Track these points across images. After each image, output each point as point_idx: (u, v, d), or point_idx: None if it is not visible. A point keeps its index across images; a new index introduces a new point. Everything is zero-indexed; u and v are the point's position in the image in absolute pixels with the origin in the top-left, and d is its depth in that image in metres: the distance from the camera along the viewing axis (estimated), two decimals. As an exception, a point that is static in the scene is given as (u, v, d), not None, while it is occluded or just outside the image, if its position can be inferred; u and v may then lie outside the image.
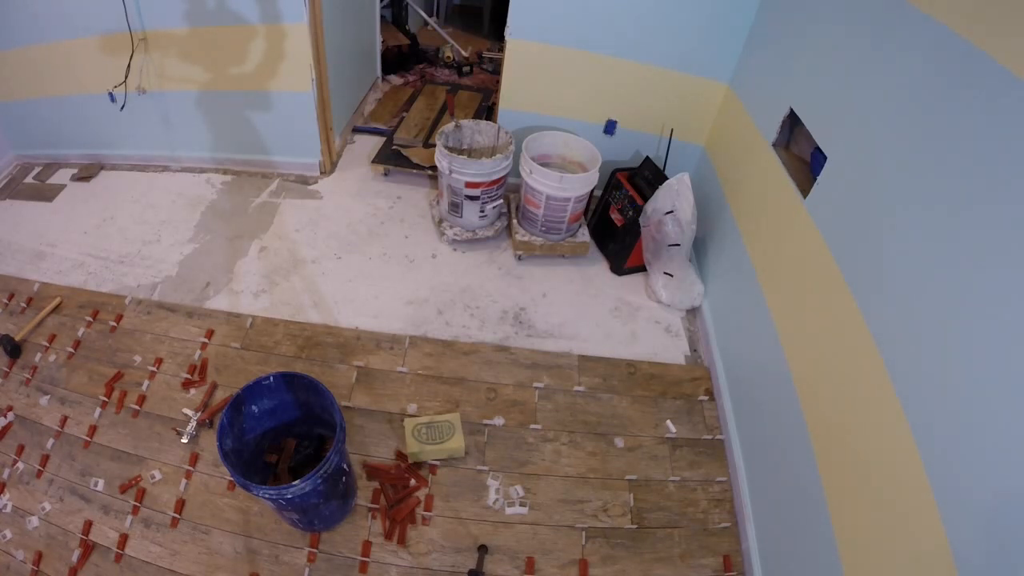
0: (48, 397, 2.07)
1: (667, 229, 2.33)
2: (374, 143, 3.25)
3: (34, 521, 1.77)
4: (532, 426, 2.05)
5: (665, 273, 2.46)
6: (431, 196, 2.92)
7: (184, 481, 1.86)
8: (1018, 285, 0.98)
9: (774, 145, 1.95)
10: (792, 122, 1.88)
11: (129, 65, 2.60)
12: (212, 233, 2.69)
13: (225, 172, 3.03)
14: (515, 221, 2.67)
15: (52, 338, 2.24)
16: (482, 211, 2.57)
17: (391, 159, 2.99)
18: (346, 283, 2.49)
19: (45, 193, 2.90)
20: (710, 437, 2.08)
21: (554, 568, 1.74)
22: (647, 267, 2.55)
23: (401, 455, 1.94)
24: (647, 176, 2.49)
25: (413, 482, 1.87)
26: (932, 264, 1.19)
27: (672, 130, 2.56)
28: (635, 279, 2.63)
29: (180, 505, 1.80)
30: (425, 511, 1.82)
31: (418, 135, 3.08)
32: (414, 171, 2.96)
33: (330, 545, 1.74)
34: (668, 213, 2.29)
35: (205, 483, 1.86)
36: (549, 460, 1.97)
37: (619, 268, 2.62)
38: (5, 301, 2.39)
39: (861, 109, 1.49)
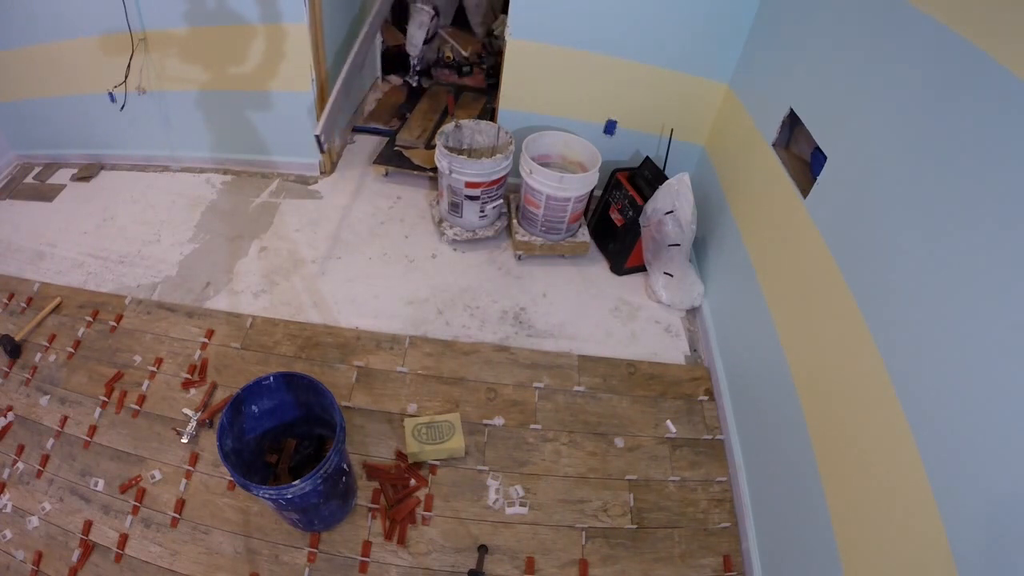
0: (48, 397, 2.07)
1: (667, 229, 2.32)
2: (374, 143, 3.25)
3: (34, 521, 1.77)
4: (532, 426, 2.05)
5: (665, 273, 2.46)
6: (431, 196, 2.92)
7: (184, 481, 1.86)
8: (1018, 284, 0.98)
9: (774, 145, 1.95)
10: (792, 122, 1.88)
11: (129, 65, 2.60)
12: (212, 233, 2.69)
13: (225, 172, 3.03)
14: (515, 221, 2.66)
15: (52, 338, 2.24)
16: (482, 211, 2.57)
17: (392, 160, 2.99)
18: (346, 283, 2.49)
19: (45, 193, 2.90)
20: (710, 437, 2.08)
21: (554, 568, 1.74)
22: (647, 267, 2.55)
23: (401, 455, 1.94)
24: (647, 176, 2.49)
25: (413, 482, 1.87)
26: (932, 264, 1.19)
27: (672, 130, 2.56)
28: (635, 279, 2.63)
29: (180, 505, 1.80)
30: (425, 511, 1.82)
31: (420, 136, 3.08)
32: (415, 172, 2.96)
33: (330, 545, 1.74)
34: (668, 213, 2.29)
35: (205, 483, 1.86)
36: (549, 460, 1.97)
37: (619, 268, 2.62)
38: (5, 301, 2.39)
39: (861, 109, 1.49)
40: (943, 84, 1.21)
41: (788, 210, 1.80)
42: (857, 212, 1.46)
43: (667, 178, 2.34)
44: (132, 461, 1.91)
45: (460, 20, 4.41)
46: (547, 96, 2.59)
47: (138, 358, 2.18)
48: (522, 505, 1.85)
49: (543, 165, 2.49)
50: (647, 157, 2.55)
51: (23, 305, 2.36)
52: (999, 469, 0.98)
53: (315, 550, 1.72)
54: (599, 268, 2.68)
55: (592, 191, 2.52)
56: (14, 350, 2.17)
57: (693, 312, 2.50)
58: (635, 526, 1.84)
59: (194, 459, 1.91)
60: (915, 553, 1.13)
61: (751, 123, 2.14)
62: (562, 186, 2.35)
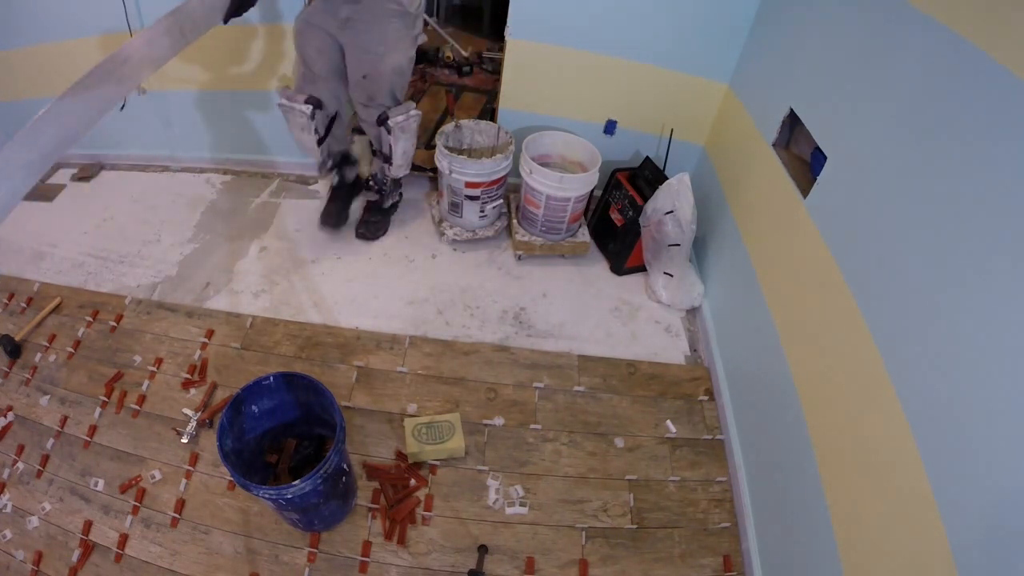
0: (48, 397, 2.07)
1: (667, 229, 2.32)
2: (374, 143, 3.25)
3: (34, 521, 1.77)
4: (532, 426, 2.05)
5: (665, 273, 2.46)
6: (431, 196, 2.92)
7: (184, 481, 1.86)
8: (1018, 283, 0.98)
9: (774, 145, 1.95)
10: (792, 122, 1.88)
11: (129, 65, 2.60)
12: (212, 233, 2.69)
13: (225, 172, 3.03)
14: (515, 221, 2.66)
15: (52, 338, 2.24)
16: (482, 211, 2.57)
17: (391, 159, 2.98)
18: (346, 283, 2.49)
19: (45, 193, 2.90)
20: (710, 437, 2.08)
21: (554, 568, 1.74)
22: (647, 267, 2.55)
23: (401, 455, 1.94)
24: (647, 176, 2.49)
25: (413, 482, 1.87)
26: (932, 264, 1.19)
27: (672, 130, 2.56)
28: (635, 279, 2.63)
29: (180, 505, 1.80)
30: (425, 511, 1.82)
31: (419, 136, 3.07)
32: (415, 172, 2.96)
33: (330, 545, 1.74)
34: (668, 213, 2.29)
35: (205, 483, 1.86)
36: (549, 460, 1.97)
37: (619, 268, 2.62)
38: (5, 301, 2.39)
39: (861, 109, 1.49)
40: (943, 84, 1.21)
41: (788, 210, 1.80)
42: (857, 212, 1.46)
43: (667, 178, 2.34)
44: (132, 461, 1.91)
45: (460, 20, 4.42)
46: (547, 96, 2.59)
47: (138, 358, 2.18)
48: (522, 505, 1.85)
49: (543, 165, 2.49)
50: (647, 157, 2.55)
51: (23, 305, 2.36)
52: (999, 469, 0.98)
53: (315, 550, 1.72)
54: (599, 268, 2.68)
55: (592, 191, 2.52)
56: (14, 350, 2.17)
57: (693, 312, 2.50)
58: (635, 526, 1.84)
59: (194, 459, 1.91)
60: (915, 553, 1.13)
61: (751, 123, 2.14)
62: (562, 186, 2.35)
